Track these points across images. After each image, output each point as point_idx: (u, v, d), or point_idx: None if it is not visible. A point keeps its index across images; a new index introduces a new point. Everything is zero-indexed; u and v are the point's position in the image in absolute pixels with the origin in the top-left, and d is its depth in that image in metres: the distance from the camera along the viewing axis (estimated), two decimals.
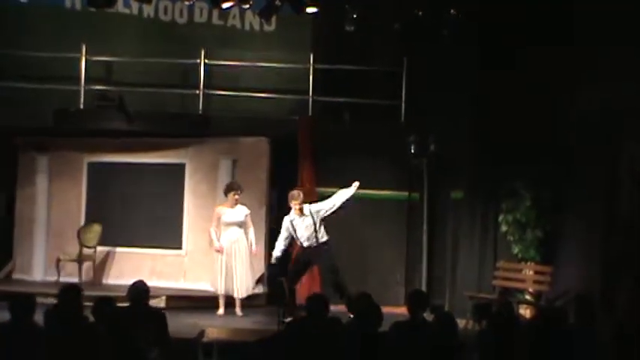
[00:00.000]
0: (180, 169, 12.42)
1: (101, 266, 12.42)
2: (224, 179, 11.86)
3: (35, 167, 12.54)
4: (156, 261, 12.31)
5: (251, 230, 10.70)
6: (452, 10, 10.83)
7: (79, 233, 12.25)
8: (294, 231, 10.35)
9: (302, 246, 10.41)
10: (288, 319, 9.69)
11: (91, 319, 6.38)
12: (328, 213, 10.38)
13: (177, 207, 12.33)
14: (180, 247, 12.37)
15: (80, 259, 12.13)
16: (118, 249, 12.44)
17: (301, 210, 10.31)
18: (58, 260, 12.11)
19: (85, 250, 12.19)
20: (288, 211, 10.53)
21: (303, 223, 10.31)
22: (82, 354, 5.69)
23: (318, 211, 10.34)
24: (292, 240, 10.55)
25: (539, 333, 6.20)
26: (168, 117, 12.13)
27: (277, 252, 10.41)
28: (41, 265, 12.46)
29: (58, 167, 12.52)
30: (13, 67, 12.15)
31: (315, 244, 10.27)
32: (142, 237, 12.36)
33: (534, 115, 10.39)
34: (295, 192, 10.50)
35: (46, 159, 12.50)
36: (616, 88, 9.15)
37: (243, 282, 10.58)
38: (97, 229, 12.29)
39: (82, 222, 12.43)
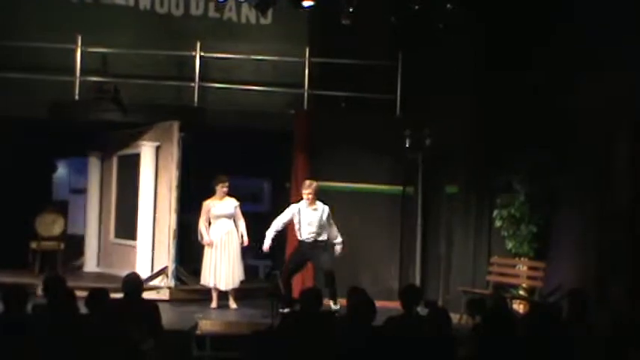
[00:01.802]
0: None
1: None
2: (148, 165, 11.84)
3: None
4: None
5: (241, 222, 10.69)
6: (448, 5, 10.81)
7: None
8: (299, 220, 10.24)
9: (300, 239, 10.30)
10: (286, 310, 9.73)
11: (85, 310, 6.38)
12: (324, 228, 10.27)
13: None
14: None
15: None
16: None
17: (313, 201, 10.24)
18: None
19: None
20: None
21: (310, 215, 10.22)
22: (74, 346, 5.68)
23: (328, 215, 10.29)
24: (284, 229, 10.51)
25: (533, 328, 6.19)
26: (164, 109, 12.10)
27: (271, 233, 10.27)
28: None
29: None
30: (7, 58, 12.10)
31: (312, 240, 10.21)
32: None
33: (529, 110, 10.39)
34: (308, 181, 10.45)
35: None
36: (610, 83, 9.15)
37: (231, 275, 10.57)
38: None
39: None
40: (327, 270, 10.14)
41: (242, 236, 10.64)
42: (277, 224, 10.34)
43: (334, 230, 10.37)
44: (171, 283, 11.24)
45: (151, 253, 11.69)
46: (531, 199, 10.48)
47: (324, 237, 10.28)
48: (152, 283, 11.09)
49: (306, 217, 10.25)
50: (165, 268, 11.30)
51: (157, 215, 11.76)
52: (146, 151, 11.88)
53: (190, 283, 11.44)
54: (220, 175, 10.85)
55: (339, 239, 10.37)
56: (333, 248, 10.37)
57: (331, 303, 9.84)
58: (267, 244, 10.28)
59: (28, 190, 13.03)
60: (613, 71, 9.14)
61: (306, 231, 10.24)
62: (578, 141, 9.83)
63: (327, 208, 10.36)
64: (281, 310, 9.76)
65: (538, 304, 9.11)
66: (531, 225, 10.46)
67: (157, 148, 11.90)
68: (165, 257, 11.40)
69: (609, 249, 9.18)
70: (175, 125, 11.58)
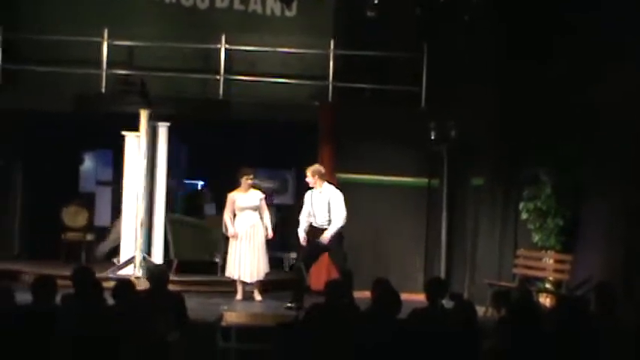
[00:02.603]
0: None
1: None
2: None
3: None
4: None
5: (266, 214, 10.69)
6: None
7: None
8: (311, 205, 10.16)
9: (312, 225, 10.15)
10: (291, 305, 9.72)
11: (111, 301, 6.42)
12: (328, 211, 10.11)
13: None
14: None
15: None
16: None
17: (318, 184, 10.12)
18: None
19: None
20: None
21: (318, 198, 10.11)
22: (102, 337, 5.72)
23: (336, 201, 10.08)
24: None
25: (560, 321, 6.16)
26: (190, 102, 12.14)
27: (302, 228, 10.20)
28: None
29: None
30: (34, 51, 12.19)
31: (325, 226, 10.06)
32: None
33: (557, 101, 10.31)
34: (310, 167, 10.26)
35: None
36: (635, 74, 9.07)
37: (256, 267, 10.57)
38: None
39: None
40: (342, 270, 9.97)
41: (267, 229, 10.65)
42: (303, 218, 10.27)
43: (338, 214, 10.06)
44: (139, 273, 11.13)
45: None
46: (558, 192, 10.41)
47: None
48: (120, 272, 11.01)
49: (315, 201, 10.12)
50: (133, 258, 11.32)
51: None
52: (128, 142, 11.75)
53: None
54: (245, 167, 10.87)
55: (334, 227, 9.99)
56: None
57: None
58: (302, 239, 10.21)
59: (56, 182, 13.13)
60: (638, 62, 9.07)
61: (318, 215, 10.09)
62: (605, 132, 9.74)
63: (335, 193, 10.16)
64: (289, 306, 9.77)
65: (565, 298, 9.05)
66: (558, 218, 10.38)
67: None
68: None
69: (637, 242, 9.10)
70: (143, 114, 11.47)
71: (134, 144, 11.61)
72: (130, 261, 11.33)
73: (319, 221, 10.10)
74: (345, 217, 10.07)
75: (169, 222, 11.88)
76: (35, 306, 6.13)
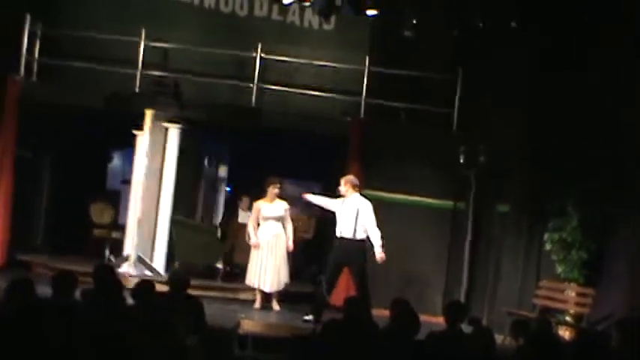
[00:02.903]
0: None
1: None
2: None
3: None
4: None
5: (289, 225, 10.67)
6: (512, 23, 10.73)
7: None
8: (339, 212, 10.05)
9: (337, 237, 10.05)
10: (309, 318, 9.68)
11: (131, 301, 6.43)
12: (362, 225, 10.01)
13: None
14: None
15: None
16: None
17: (350, 192, 10.04)
18: None
19: None
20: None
21: (347, 207, 10.02)
22: (120, 335, 5.71)
23: (365, 211, 10.01)
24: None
25: (579, 355, 6.09)
26: (222, 108, 12.18)
27: (314, 197, 10.35)
28: None
29: None
30: (72, 47, 12.30)
31: (350, 237, 9.98)
32: None
33: (587, 133, 10.26)
34: (349, 176, 10.28)
35: None
36: None
37: (277, 277, 10.56)
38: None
39: None
40: (357, 282, 9.93)
41: (288, 239, 10.64)
42: (323, 199, 10.32)
43: (374, 228, 9.95)
44: (133, 271, 11.17)
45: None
46: (584, 225, 10.33)
47: (362, 235, 9.97)
48: (120, 270, 10.99)
49: (343, 210, 10.04)
50: (128, 256, 11.35)
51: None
52: (139, 141, 11.82)
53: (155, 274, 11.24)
54: (272, 176, 10.88)
55: (377, 241, 9.91)
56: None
57: None
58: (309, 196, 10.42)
59: (84, 178, 13.21)
60: None
61: (342, 226, 9.97)
62: (634, 165, 9.67)
63: (365, 203, 10.05)
64: (306, 318, 9.74)
65: (586, 331, 8.97)
66: (582, 251, 10.32)
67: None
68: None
69: None
70: (148, 114, 11.56)
71: (144, 144, 11.70)
72: (124, 259, 11.35)
73: (345, 232, 9.98)
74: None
75: (172, 223, 11.85)
76: (55, 300, 6.15)
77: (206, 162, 13.90)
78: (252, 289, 10.78)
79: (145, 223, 11.53)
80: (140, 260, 11.37)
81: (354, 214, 9.97)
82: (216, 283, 11.66)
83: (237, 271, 11.91)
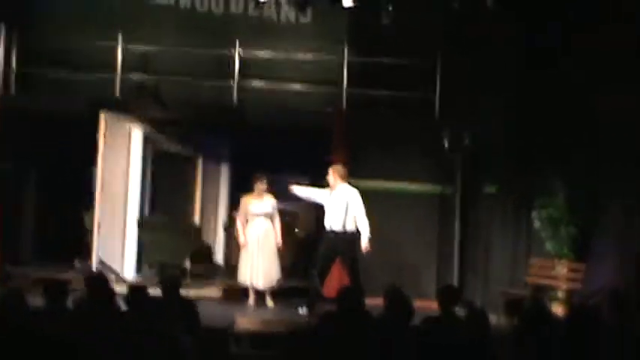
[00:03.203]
0: None
1: None
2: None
3: None
4: None
5: (277, 221, 10.68)
6: (488, 2, 10.75)
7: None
8: (327, 204, 10.08)
9: (327, 229, 10.08)
10: (303, 308, 9.70)
11: (124, 307, 6.43)
12: (352, 216, 10.04)
13: None
14: None
15: None
16: None
17: (338, 183, 10.04)
18: None
19: None
20: None
21: (335, 199, 10.02)
22: (114, 342, 5.73)
23: (354, 201, 9.99)
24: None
25: (573, 330, 6.14)
26: (204, 107, 12.17)
27: (301, 189, 10.31)
28: None
29: None
30: (50, 55, 12.24)
31: (340, 230, 10.02)
32: None
33: (569, 109, 10.31)
34: (337, 165, 10.27)
35: None
36: None
37: (268, 273, 10.57)
38: None
39: None
40: (350, 273, 9.94)
41: (277, 236, 10.64)
42: (308, 191, 10.31)
43: (364, 219, 9.98)
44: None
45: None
46: (571, 200, 10.39)
47: (351, 227, 9.98)
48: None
49: (332, 201, 10.01)
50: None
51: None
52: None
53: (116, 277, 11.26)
54: (258, 172, 10.89)
55: (365, 231, 9.96)
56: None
57: None
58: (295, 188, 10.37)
59: (72, 186, 13.16)
60: None
61: (332, 218, 9.98)
62: (619, 140, 9.73)
63: (354, 194, 10.03)
64: (300, 309, 9.76)
65: (578, 306, 9.02)
66: (571, 226, 10.37)
67: None
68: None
69: None
70: (102, 117, 11.61)
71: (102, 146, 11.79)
72: (87, 263, 11.40)
73: (335, 224, 9.99)
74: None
75: (138, 225, 11.86)
76: (46, 309, 6.15)
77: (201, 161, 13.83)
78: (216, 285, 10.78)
79: (111, 225, 11.61)
80: (101, 263, 11.39)
81: (343, 205, 9.97)
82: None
83: (201, 272, 11.90)
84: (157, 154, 12.42)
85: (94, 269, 11.31)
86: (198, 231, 12.65)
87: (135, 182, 11.84)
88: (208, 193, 13.38)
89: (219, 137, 13.14)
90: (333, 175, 10.10)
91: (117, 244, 11.72)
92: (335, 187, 10.08)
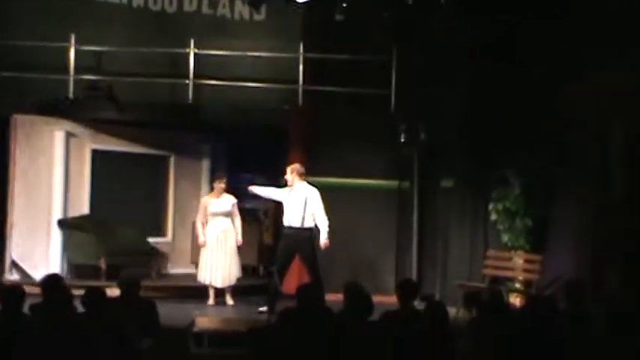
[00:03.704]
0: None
1: None
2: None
3: None
4: None
5: (237, 219, 10.66)
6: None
7: None
8: (284, 201, 10.06)
9: (286, 226, 10.06)
10: (263, 309, 9.70)
11: (81, 309, 6.37)
12: (311, 213, 10.01)
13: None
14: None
15: None
16: None
17: (296, 181, 10.01)
18: None
19: None
20: None
21: (294, 197, 9.99)
22: (72, 346, 5.68)
23: (313, 199, 9.98)
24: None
25: (530, 321, 6.21)
26: (159, 107, 12.10)
27: (258, 188, 10.31)
28: None
29: None
30: (1, 57, 12.08)
31: (298, 227, 9.97)
32: None
33: (524, 103, 10.41)
34: (295, 164, 10.24)
35: None
36: (605, 72, 9.18)
37: (227, 272, 10.56)
38: None
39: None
40: (312, 272, 9.92)
41: (237, 234, 10.63)
42: (266, 190, 10.30)
43: (323, 216, 10.00)
44: (10, 276, 11.30)
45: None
46: (526, 192, 10.50)
47: (310, 224, 9.97)
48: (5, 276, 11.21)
49: (291, 200, 10.00)
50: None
51: None
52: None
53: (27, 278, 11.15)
54: (218, 172, 10.87)
55: (324, 228, 9.97)
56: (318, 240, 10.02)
57: None
58: (252, 189, 10.33)
59: None
60: (603, 61, 9.19)
61: (291, 215, 9.96)
62: (573, 133, 9.85)
63: (313, 192, 10.04)
64: (261, 309, 9.76)
65: (534, 297, 9.13)
66: (527, 218, 10.49)
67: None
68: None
69: (605, 241, 9.20)
70: (15, 119, 11.61)
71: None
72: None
73: (293, 222, 9.97)
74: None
75: (59, 225, 11.79)
76: (2, 315, 6.08)
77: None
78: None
79: (32, 227, 11.60)
80: (14, 264, 11.39)
81: (302, 203, 9.97)
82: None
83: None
84: (101, 154, 12.28)
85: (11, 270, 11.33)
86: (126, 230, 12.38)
87: (58, 184, 11.81)
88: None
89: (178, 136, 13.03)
90: (291, 174, 10.10)
91: (43, 245, 11.67)
92: (293, 185, 10.08)
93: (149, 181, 12.86)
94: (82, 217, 11.95)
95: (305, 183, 10.15)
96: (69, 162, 11.92)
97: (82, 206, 12.07)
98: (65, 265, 11.73)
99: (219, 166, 12.90)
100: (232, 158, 13.39)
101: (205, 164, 13.00)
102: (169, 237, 12.79)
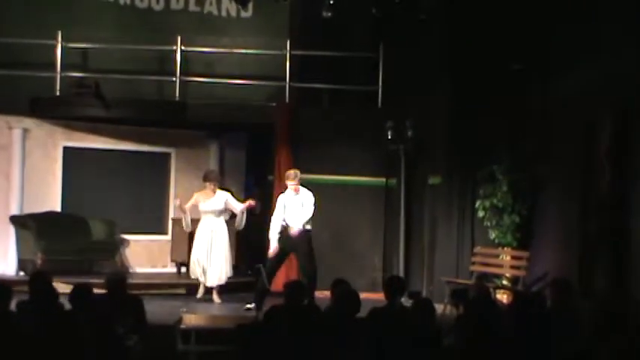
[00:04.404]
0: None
1: None
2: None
3: None
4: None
5: (239, 207, 10.56)
6: None
7: None
8: (284, 209, 10.14)
9: (286, 228, 10.14)
10: (250, 306, 9.72)
11: (68, 306, 6.36)
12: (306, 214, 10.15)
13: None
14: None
15: None
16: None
17: (297, 190, 10.16)
18: None
19: None
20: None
21: (296, 203, 10.14)
22: (59, 343, 5.66)
23: (309, 203, 10.16)
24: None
25: (517, 317, 6.23)
26: (146, 104, 12.07)
27: (274, 235, 10.11)
28: None
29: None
30: None
31: (299, 229, 10.08)
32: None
33: (512, 99, 10.43)
34: (292, 172, 10.30)
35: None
36: (591, 69, 9.21)
37: (217, 271, 10.53)
38: None
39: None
40: (310, 270, 10.02)
41: (243, 212, 10.54)
42: (276, 223, 10.16)
43: (309, 210, 10.17)
44: None
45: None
46: (514, 189, 10.53)
47: (309, 226, 10.16)
48: None
49: (292, 206, 10.13)
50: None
51: None
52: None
53: None
54: (209, 171, 10.84)
55: (305, 223, 10.13)
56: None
57: None
58: (273, 247, 10.08)
59: None
60: (588, 57, 9.23)
61: (293, 219, 10.09)
62: (560, 129, 9.88)
63: (309, 194, 10.21)
64: (248, 306, 9.78)
65: (522, 294, 9.16)
66: (514, 215, 10.51)
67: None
68: None
69: (593, 237, 9.23)
70: None
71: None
72: None
73: (293, 223, 10.10)
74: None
75: (10, 222, 11.93)
76: None
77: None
78: None
79: None
80: None
81: (300, 207, 10.14)
82: None
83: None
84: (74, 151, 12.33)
85: None
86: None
87: (17, 181, 11.99)
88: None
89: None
90: (294, 180, 10.16)
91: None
92: (292, 189, 10.13)
93: (151, 178, 12.88)
94: (33, 215, 12.02)
95: (301, 187, 10.24)
96: (33, 159, 12.10)
97: (54, 203, 12.22)
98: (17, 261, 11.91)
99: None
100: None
101: (213, 161, 12.92)
102: (169, 235, 12.72)
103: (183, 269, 11.91)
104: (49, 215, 12.10)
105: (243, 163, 13.17)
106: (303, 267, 10.20)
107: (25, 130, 12.03)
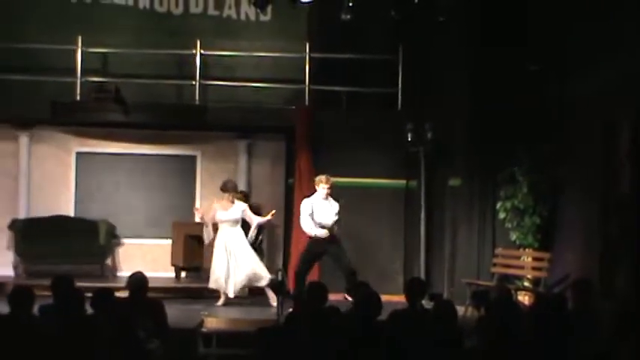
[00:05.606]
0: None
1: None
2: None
3: None
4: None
5: (255, 219, 10.58)
6: None
7: None
8: (312, 214, 10.19)
9: (314, 235, 10.21)
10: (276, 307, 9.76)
11: (90, 311, 6.38)
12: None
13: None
14: None
15: None
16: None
17: (329, 194, 10.24)
18: None
19: None
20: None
21: (328, 208, 10.23)
22: (82, 347, 5.69)
23: (335, 207, 10.28)
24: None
25: (538, 319, 6.20)
26: (166, 108, 12.12)
27: (313, 229, 10.23)
28: None
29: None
30: (9, 60, 12.12)
31: (328, 235, 10.18)
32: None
33: (532, 100, 10.40)
34: (324, 176, 10.37)
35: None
36: (609, 68, 9.16)
37: (237, 281, 10.49)
38: None
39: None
40: (351, 270, 10.09)
41: (258, 228, 10.59)
42: (308, 224, 10.25)
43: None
44: None
45: None
46: (534, 190, 10.49)
47: (335, 230, 10.27)
48: None
49: (323, 210, 10.21)
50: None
51: None
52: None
53: None
54: (226, 181, 10.82)
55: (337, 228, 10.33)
56: None
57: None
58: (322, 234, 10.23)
59: None
60: (606, 57, 9.18)
61: (326, 224, 10.18)
62: (580, 130, 9.84)
63: (335, 202, 10.35)
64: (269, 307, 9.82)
65: (543, 295, 9.12)
66: (535, 216, 10.47)
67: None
68: None
69: (613, 238, 9.18)
70: None
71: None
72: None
73: (322, 231, 10.22)
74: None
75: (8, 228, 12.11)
76: (12, 316, 6.09)
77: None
78: None
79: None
80: None
81: (329, 210, 10.24)
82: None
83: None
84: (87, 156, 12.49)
85: None
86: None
87: (24, 184, 12.27)
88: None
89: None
90: (327, 184, 10.20)
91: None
92: (324, 193, 10.22)
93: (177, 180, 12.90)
94: (25, 220, 12.21)
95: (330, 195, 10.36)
96: (45, 165, 12.34)
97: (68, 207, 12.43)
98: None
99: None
100: None
101: (242, 163, 12.91)
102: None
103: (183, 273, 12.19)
104: (55, 219, 12.28)
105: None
106: (344, 265, 10.17)
107: (39, 135, 12.18)
